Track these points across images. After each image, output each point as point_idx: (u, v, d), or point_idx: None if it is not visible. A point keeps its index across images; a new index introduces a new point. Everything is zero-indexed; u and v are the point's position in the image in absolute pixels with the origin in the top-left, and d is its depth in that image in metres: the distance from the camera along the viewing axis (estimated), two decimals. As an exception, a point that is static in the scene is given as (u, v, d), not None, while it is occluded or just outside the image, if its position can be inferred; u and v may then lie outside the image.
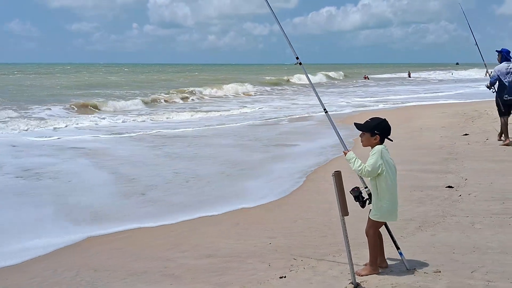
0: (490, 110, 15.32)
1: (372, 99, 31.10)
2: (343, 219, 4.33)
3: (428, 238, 5.51)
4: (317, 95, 4.87)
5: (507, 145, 10.53)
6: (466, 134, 12.61)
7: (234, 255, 5.43)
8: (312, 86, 4.99)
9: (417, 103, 25.64)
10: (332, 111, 20.99)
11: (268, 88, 43.84)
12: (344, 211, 4.31)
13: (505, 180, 7.91)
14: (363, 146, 4.39)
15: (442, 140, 12.14)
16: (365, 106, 25.34)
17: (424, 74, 79.02)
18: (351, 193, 4.31)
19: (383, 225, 4.48)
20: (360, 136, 4.38)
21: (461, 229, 5.75)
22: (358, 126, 4.39)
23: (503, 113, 10.72)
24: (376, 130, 4.26)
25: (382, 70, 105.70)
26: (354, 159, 4.28)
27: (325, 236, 5.85)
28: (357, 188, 4.34)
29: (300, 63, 4.84)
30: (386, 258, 4.51)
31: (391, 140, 4.41)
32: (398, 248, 4.49)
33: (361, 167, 4.20)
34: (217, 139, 14.39)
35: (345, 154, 4.36)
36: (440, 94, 34.36)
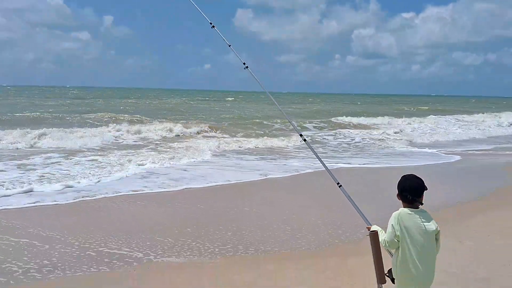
0: None
1: None
2: (381, 287, 3.78)
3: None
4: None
5: None
6: None
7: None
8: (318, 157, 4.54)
9: None
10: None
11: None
12: (381, 278, 3.77)
13: None
14: None
15: None
16: None
17: None
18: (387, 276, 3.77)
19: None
20: None
21: None
22: None
23: None
24: (398, 188, 3.67)
25: None
26: (379, 232, 3.75)
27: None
28: (391, 270, 3.76)
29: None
30: None
31: (421, 203, 3.66)
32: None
33: (382, 238, 3.63)
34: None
35: (369, 229, 3.82)
36: None
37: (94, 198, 10.18)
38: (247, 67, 5.05)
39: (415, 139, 26.07)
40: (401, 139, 25.41)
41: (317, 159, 4.65)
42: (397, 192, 3.68)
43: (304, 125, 31.92)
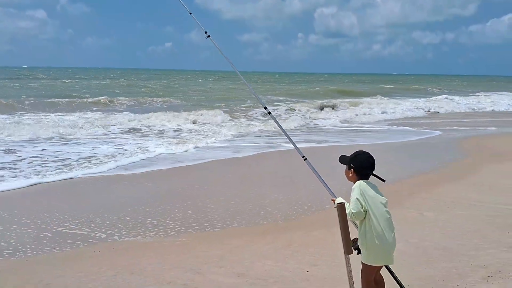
0: None
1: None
2: (348, 258, 3.84)
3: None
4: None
5: None
6: None
7: (263, 277, 5.16)
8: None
9: None
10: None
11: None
12: (348, 249, 3.81)
13: None
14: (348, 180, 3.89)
15: None
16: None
17: None
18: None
19: (387, 269, 3.83)
20: None
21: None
22: (339, 158, 3.93)
23: None
24: (351, 163, 3.77)
25: None
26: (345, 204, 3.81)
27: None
28: (356, 239, 3.82)
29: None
30: None
31: (382, 180, 3.86)
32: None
33: (349, 210, 3.67)
34: None
35: (334, 201, 3.83)
36: None
37: (48, 182, 9.89)
38: (209, 36, 4.91)
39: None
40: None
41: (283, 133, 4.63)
42: (347, 168, 3.82)
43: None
